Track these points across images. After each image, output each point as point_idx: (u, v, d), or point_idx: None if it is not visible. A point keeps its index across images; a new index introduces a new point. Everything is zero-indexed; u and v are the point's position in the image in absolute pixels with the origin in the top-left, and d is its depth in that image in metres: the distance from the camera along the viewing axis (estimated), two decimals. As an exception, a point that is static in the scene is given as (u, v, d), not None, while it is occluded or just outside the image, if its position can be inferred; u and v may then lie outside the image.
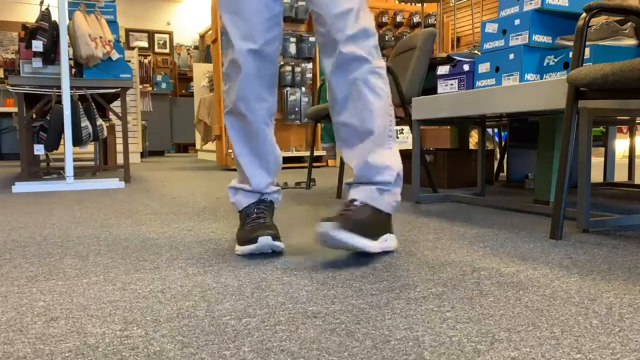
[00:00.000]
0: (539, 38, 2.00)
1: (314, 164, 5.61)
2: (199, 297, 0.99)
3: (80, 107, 3.45)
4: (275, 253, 1.36)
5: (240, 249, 1.35)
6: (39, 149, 3.34)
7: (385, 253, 1.35)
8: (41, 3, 3.53)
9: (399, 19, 6.79)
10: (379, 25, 6.75)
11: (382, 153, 1.33)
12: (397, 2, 6.82)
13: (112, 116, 4.78)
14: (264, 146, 1.44)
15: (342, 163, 2.74)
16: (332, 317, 0.88)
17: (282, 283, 1.09)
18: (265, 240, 1.29)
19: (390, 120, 1.36)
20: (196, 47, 11.08)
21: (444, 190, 3.08)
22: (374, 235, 1.29)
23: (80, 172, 4.71)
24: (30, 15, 9.58)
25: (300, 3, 5.47)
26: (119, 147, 6.31)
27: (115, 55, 3.59)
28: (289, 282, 1.09)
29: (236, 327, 0.84)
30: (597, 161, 5.60)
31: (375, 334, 0.80)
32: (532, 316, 0.87)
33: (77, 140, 3.41)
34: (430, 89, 3.22)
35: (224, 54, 1.41)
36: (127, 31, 10.59)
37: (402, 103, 2.86)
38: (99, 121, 3.59)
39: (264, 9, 1.34)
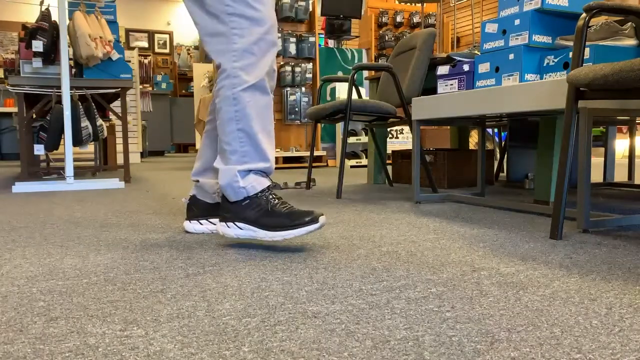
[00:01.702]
0: (539, 38, 2.00)
1: (314, 164, 5.61)
2: (199, 297, 0.99)
3: (80, 107, 3.45)
4: (275, 253, 1.36)
5: (293, 232, 1.36)
6: (39, 149, 3.34)
7: (387, 253, 1.36)
8: (41, 3, 3.53)
9: (399, 19, 6.79)
10: (379, 25, 6.75)
11: None
12: (397, 2, 6.82)
13: (112, 116, 4.78)
14: (272, 123, 1.48)
15: (342, 163, 2.74)
16: (332, 317, 0.88)
17: (282, 283, 1.09)
18: (324, 220, 1.39)
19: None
20: (196, 47, 11.08)
21: (444, 190, 3.08)
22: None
23: (80, 172, 4.71)
24: (30, 15, 9.58)
25: (300, 3, 5.46)
26: (119, 147, 6.31)
27: (115, 55, 3.59)
28: (289, 282, 1.09)
29: (236, 327, 0.84)
30: (597, 161, 5.60)
31: (375, 334, 0.80)
32: (532, 316, 0.87)
33: (77, 140, 3.41)
34: (430, 89, 3.22)
35: (238, 34, 1.43)
36: (127, 31, 10.59)
37: (402, 103, 2.86)
38: (99, 121, 3.59)
39: None
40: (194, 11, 1.45)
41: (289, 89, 5.48)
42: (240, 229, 1.42)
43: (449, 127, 4.85)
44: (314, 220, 1.36)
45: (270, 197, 1.41)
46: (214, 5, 1.40)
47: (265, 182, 1.43)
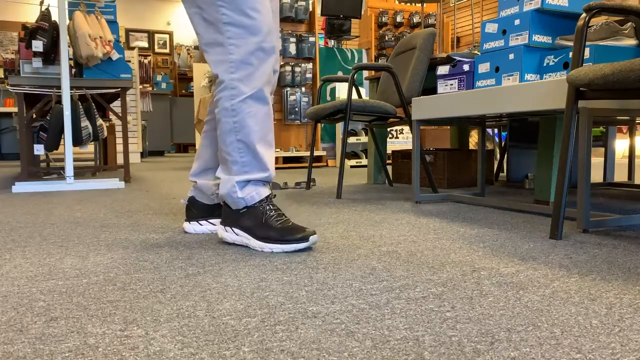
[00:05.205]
0: (539, 38, 2.00)
1: (314, 164, 5.61)
2: (199, 297, 0.99)
3: (80, 107, 3.45)
4: (275, 253, 1.36)
5: (281, 247, 1.37)
6: (39, 149, 3.34)
7: (387, 253, 1.36)
8: (41, 3, 3.53)
9: (399, 19, 6.79)
10: (379, 25, 6.75)
11: None
12: (397, 2, 6.82)
13: (112, 116, 4.77)
14: (272, 132, 1.48)
15: (342, 163, 2.74)
16: (332, 317, 0.88)
17: (282, 283, 1.09)
18: (314, 239, 1.40)
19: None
20: (196, 47, 11.08)
21: (444, 190, 3.08)
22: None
23: (80, 172, 4.71)
24: (30, 15, 9.58)
25: (300, 3, 5.47)
26: (119, 147, 6.31)
27: (115, 55, 3.59)
28: (289, 282, 1.09)
29: (236, 327, 0.84)
30: (597, 161, 5.60)
31: (375, 334, 0.80)
32: (532, 316, 0.87)
33: (77, 140, 3.41)
34: (430, 89, 3.22)
35: (234, 44, 1.42)
36: (127, 31, 10.59)
37: (402, 103, 2.86)
38: (99, 121, 3.59)
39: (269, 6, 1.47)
40: (194, 20, 1.46)
41: (289, 89, 5.48)
42: (236, 234, 1.46)
43: (449, 127, 4.85)
44: (304, 239, 1.38)
45: (267, 208, 1.43)
46: (212, 14, 1.40)
47: (264, 193, 1.45)
